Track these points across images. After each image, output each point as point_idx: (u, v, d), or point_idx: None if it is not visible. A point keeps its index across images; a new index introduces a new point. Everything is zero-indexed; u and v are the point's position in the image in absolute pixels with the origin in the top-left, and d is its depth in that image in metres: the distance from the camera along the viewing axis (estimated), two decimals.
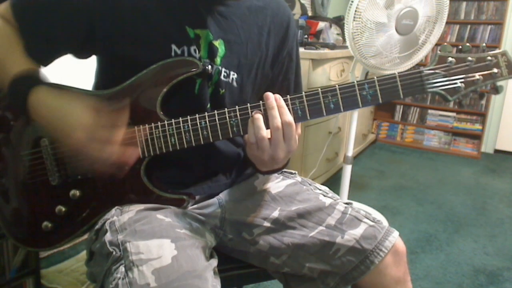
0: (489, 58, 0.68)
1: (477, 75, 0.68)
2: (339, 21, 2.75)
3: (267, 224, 0.84)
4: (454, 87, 0.69)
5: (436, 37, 1.82)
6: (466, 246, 2.05)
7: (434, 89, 0.69)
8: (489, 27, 3.57)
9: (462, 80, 0.68)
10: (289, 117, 0.69)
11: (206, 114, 0.72)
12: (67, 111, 0.70)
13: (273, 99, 0.69)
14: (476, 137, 3.68)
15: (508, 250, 2.04)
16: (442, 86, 0.69)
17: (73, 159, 0.76)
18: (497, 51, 0.68)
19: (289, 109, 0.70)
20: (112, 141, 0.69)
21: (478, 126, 3.66)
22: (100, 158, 0.69)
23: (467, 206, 2.54)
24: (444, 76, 0.68)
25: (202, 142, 0.73)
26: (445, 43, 0.69)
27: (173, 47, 0.76)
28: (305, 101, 0.70)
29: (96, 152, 0.69)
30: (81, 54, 0.80)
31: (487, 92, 0.70)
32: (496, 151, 3.73)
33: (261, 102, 0.70)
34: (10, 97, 0.73)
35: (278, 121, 0.68)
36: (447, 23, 1.85)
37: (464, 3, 3.65)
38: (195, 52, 0.77)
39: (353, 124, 2.06)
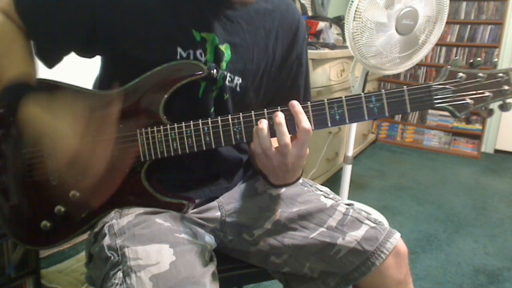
0: (500, 74, 0.66)
1: (487, 92, 0.66)
2: (339, 21, 2.74)
3: (268, 225, 0.83)
4: (463, 104, 0.67)
5: (436, 37, 1.82)
6: (466, 246, 2.05)
7: (442, 105, 0.67)
8: (489, 27, 3.57)
9: (472, 96, 0.67)
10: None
11: (209, 120, 0.71)
12: (56, 122, 0.69)
13: (283, 116, 0.67)
14: (476, 137, 3.68)
15: (508, 250, 2.04)
16: (450, 102, 0.67)
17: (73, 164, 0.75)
18: (509, 67, 0.66)
19: None
20: (107, 140, 0.69)
21: (478, 126, 3.66)
22: (98, 160, 0.69)
23: (467, 206, 2.54)
24: (453, 92, 0.67)
25: (204, 148, 0.72)
26: (456, 58, 0.67)
27: (179, 50, 0.74)
28: (310, 111, 0.68)
29: (93, 154, 0.69)
30: (85, 53, 0.80)
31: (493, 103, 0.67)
32: (496, 151, 3.73)
33: (265, 110, 0.69)
34: (3, 104, 0.73)
35: (286, 138, 0.66)
36: (447, 23, 1.85)
37: (464, 3, 3.65)
38: (201, 56, 0.76)
39: (353, 124, 2.06)
